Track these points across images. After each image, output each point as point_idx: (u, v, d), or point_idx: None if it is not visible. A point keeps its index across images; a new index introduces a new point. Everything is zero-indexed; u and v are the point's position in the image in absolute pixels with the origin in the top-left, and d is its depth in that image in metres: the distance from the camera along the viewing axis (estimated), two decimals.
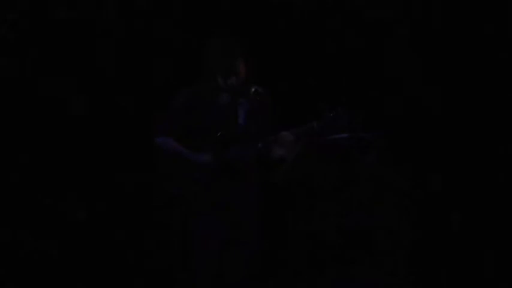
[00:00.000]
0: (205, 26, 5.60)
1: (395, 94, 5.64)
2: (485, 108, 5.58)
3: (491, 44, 5.58)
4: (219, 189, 4.37)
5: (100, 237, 5.64)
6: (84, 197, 5.64)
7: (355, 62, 5.70)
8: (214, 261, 4.36)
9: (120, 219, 5.65)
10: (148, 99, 5.54)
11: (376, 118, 5.27)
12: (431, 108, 5.64)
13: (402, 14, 5.66)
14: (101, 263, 5.63)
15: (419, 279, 5.40)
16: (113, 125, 5.65)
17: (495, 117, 5.57)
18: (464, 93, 5.61)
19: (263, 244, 4.48)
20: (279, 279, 5.53)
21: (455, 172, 5.57)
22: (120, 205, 5.65)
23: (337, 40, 5.73)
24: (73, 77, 5.64)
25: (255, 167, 4.46)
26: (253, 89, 4.42)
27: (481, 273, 5.44)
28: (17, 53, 5.58)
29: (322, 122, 4.29)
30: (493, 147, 5.55)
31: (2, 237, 5.51)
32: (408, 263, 5.37)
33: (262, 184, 4.50)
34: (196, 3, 5.71)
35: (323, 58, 5.72)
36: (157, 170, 4.47)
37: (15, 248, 5.53)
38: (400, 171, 5.47)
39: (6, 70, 5.56)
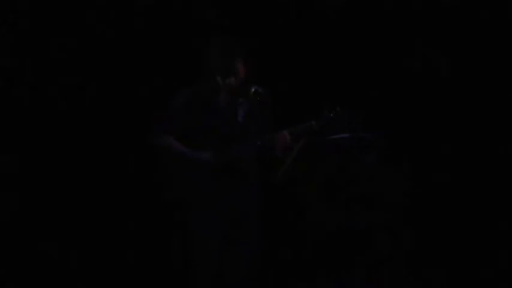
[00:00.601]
0: (205, 26, 5.60)
1: (396, 94, 5.65)
2: (485, 108, 5.58)
3: (490, 43, 5.58)
4: (219, 188, 4.37)
5: (100, 237, 5.64)
6: (84, 197, 5.64)
7: (355, 62, 5.70)
8: (214, 261, 4.36)
9: (120, 219, 5.65)
10: (148, 99, 5.54)
11: (376, 118, 5.27)
12: (431, 108, 5.65)
13: (401, 13, 5.67)
14: (101, 263, 5.63)
15: (419, 279, 5.40)
16: (113, 125, 5.64)
17: (495, 117, 5.57)
18: (464, 93, 5.61)
19: (263, 244, 4.48)
20: (279, 279, 5.53)
21: (455, 172, 5.57)
22: (120, 205, 5.65)
23: (337, 40, 5.73)
24: (72, 77, 5.65)
25: (255, 166, 4.46)
26: (253, 89, 4.42)
27: (481, 273, 5.44)
28: (17, 53, 5.58)
29: (322, 121, 4.30)
30: (493, 147, 5.55)
31: (2, 237, 5.51)
32: (408, 263, 5.37)
33: (262, 184, 4.50)
34: (196, 3, 5.71)
35: (323, 58, 5.72)
36: (157, 169, 4.47)
37: (15, 248, 5.53)
38: (400, 171, 5.47)
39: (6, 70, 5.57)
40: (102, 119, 5.65)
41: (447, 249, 5.53)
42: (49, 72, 5.62)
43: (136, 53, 5.67)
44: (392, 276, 5.29)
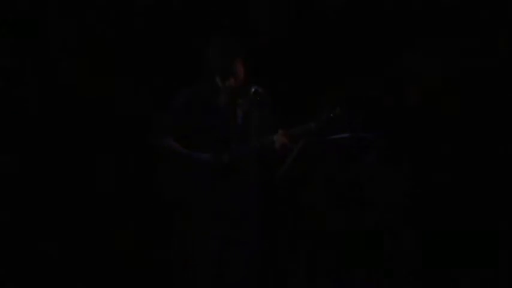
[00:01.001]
0: (205, 26, 5.60)
1: (396, 94, 5.65)
2: (485, 108, 5.58)
3: (490, 43, 5.58)
4: (219, 188, 4.37)
5: (100, 237, 5.64)
6: (84, 197, 5.64)
7: (355, 61, 5.70)
8: (214, 261, 4.36)
9: (120, 219, 5.65)
10: (148, 99, 5.53)
11: (376, 118, 5.27)
12: (431, 108, 5.65)
13: (401, 13, 5.67)
14: (101, 263, 5.62)
15: (419, 279, 5.40)
16: (113, 125, 5.65)
17: (495, 117, 5.57)
18: (464, 93, 5.61)
19: (263, 244, 4.48)
20: (279, 279, 5.53)
21: (455, 172, 5.58)
22: (120, 205, 5.65)
23: (337, 40, 5.73)
24: (72, 77, 5.65)
25: (255, 166, 4.46)
26: (253, 89, 4.42)
27: (481, 273, 5.43)
28: (17, 53, 5.58)
29: (321, 122, 4.30)
30: (493, 147, 5.55)
31: (2, 237, 5.51)
32: (408, 263, 5.37)
33: (262, 184, 4.50)
34: (196, 3, 5.71)
35: (323, 58, 5.72)
36: (157, 170, 4.47)
37: (15, 248, 5.53)
38: (400, 171, 5.47)
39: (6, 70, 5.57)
40: (102, 119, 5.65)
41: (447, 249, 5.52)
42: (49, 72, 5.61)
43: (137, 53, 5.67)
44: (392, 276, 5.29)
